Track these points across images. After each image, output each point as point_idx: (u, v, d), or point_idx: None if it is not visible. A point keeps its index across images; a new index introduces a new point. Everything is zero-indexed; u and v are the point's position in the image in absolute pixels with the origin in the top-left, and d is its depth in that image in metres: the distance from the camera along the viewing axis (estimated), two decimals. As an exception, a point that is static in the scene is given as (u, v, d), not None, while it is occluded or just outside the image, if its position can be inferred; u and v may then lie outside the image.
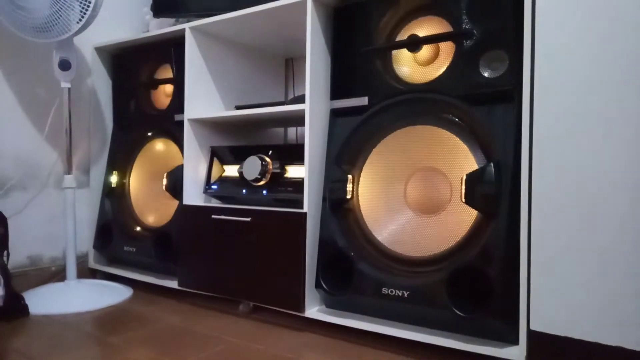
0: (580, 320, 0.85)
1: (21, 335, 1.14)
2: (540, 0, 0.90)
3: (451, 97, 1.04)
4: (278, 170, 1.30)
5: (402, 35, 1.14)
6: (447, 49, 1.07)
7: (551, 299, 0.87)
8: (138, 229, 1.58)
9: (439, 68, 1.08)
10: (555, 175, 0.87)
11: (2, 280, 0.85)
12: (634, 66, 0.81)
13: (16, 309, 1.26)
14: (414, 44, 1.11)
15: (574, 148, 0.86)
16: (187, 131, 1.44)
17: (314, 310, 1.19)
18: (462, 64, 1.03)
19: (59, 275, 1.59)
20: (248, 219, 1.27)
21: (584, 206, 0.84)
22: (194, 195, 1.45)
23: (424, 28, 1.11)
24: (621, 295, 0.81)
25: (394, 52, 1.15)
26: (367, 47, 1.17)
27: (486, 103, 1.00)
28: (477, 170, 0.99)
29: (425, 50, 1.11)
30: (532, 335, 0.89)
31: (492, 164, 0.97)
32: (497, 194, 0.96)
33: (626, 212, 0.81)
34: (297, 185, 1.25)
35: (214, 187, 1.43)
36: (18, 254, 1.51)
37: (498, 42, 0.99)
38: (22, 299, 1.29)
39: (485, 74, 1.01)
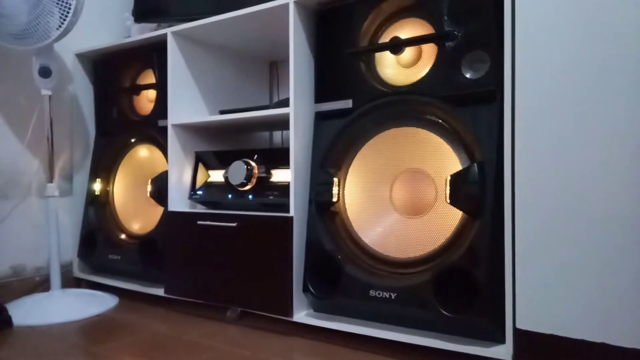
0: (566, 318, 0.86)
1: (5, 346, 1.12)
2: (519, 0, 0.91)
3: (434, 99, 1.05)
4: (264, 175, 1.29)
5: (385, 38, 1.15)
6: (429, 51, 1.08)
7: (536, 297, 0.88)
8: (123, 236, 1.56)
9: (422, 70, 1.08)
10: (537, 174, 0.88)
11: (-18, 293, 0.83)
12: (615, 65, 0.82)
13: (-1, 320, 1.24)
14: (397, 46, 1.11)
15: (555, 146, 0.87)
16: (171, 137, 1.43)
17: (302, 314, 1.18)
18: (445, 65, 1.04)
19: (43, 285, 1.56)
20: (234, 224, 1.26)
21: (567, 204, 0.85)
22: (179, 201, 1.44)
23: (406, 30, 1.12)
24: (605, 293, 0.82)
25: (377, 54, 1.16)
26: (350, 50, 1.17)
27: (469, 104, 1.01)
28: (461, 170, 0.99)
29: (408, 52, 1.11)
30: (518, 333, 0.90)
31: (475, 165, 0.97)
32: (481, 194, 0.96)
33: (609, 209, 0.82)
34: (283, 189, 1.24)
35: (199, 192, 1.42)
36: (0, 264, 1.48)
37: (479, 43, 1.00)
38: (5, 310, 1.27)
39: (468, 75, 1.01)
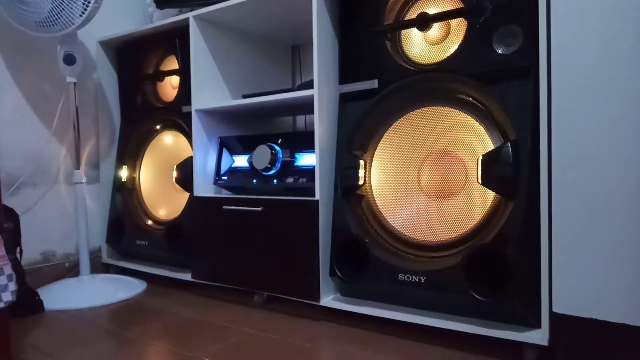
0: (605, 301, 0.82)
1: (36, 330, 1.14)
2: (555, -30, 0.86)
3: (464, 76, 1.01)
4: (288, 159, 1.28)
5: (411, 14, 1.11)
6: (458, 26, 1.04)
7: (574, 280, 0.84)
8: (150, 222, 1.57)
9: (451, 46, 1.04)
10: (576, 152, 0.84)
11: (14, 276, 0.84)
12: (657, 34, 0.77)
13: (31, 304, 1.26)
14: (424, 22, 1.07)
15: (595, 124, 0.82)
16: (195, 122, 1.43)
17: (329, 298, 1.17)
18: (475, 41, 1.00)
19: (72, 270, 1.59)
20: (260, 209, 1.25)
21: (608, 184, 0.81)
22: (204, 186, 1.44)
23: (433, 5, 1.08)
24: (648, 274, 0.78)
25: (403, 31, 1.12)
26: (375, 28, 1.14)
27: (501, 80, 0.97)
28: (493, 150, 0.96)
29: (436, 29, 1.08)
30: (555, 317, 0.87)
31: (509, 144, 0.94)
32: (515, 174, 0.93)
33: (652, 188, 0.78)
34: (308, 173, 1.23)
35: (224, 177, 1.41)
36: (31, 251, 1.51)
37: (511, 17, 0.96)
38: (37, 294, 1.29)
39: (499, 51, 0.97)
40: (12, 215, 1.33)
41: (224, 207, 1.32)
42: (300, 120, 1.77)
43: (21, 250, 1.35)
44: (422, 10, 1.08)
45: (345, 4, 1.21)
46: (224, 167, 1.43)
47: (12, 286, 0.84)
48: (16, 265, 1.24)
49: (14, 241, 1.31)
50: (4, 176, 1.46)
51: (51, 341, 1.06)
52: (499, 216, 0.95)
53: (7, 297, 0.84)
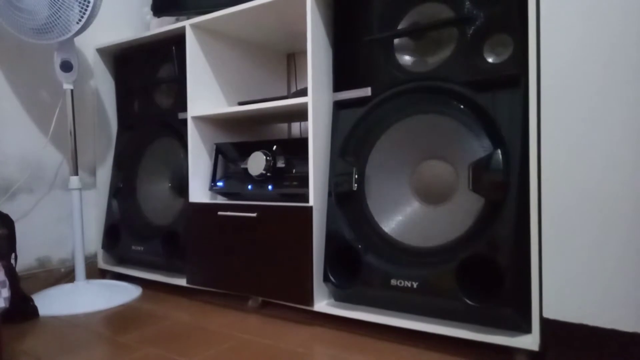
0: (595, 306, 0.83)
1: (30, 336, 1.14)
2: (544, -19, 0.88)
3: (455, 84, 1.03)
4: (283, 165, 1.29)
5: (404, 24, 1.12)
6: (450, 36, 1.05)
7: (564, 285, 0.86)
8: (145, 228, 1.58)
9: (443, 55, 1.06)
10: (565, 159, 0.85)
11: (7, 282, 0.84)
12: (643, 44, 0.79)
13: (25, 310, 1.26)
14: (417, 31, 1.09)
15: (584, 131, 0.84)
16: (191, 129, 1.44)
17: (322, 303, 1.18)
18: (466, 50, 1.01)
19: (68, 276, 1.59)
20: (254, 215, 1.26)
21: (598, 190, 0.82)
22: (199, 192, 1.45)
23: (426, 15, 1.09)
24: (638, 280, 0.79)
25: (396, 40, 1.14)
26: (369, 37, 1.15)
27: (491, 89, 0.98)
28: (484, 157, 0.97)
29: (428, 38, 1.09)
30: (546, 323, 0.88)
31: (499, 151, 0.95)
32: (505, 180, 0.94)
33: None
34: (303, 179, 1.24)
35: (220, 184, 1.42)
36: (27, 257, 1.51)
37: (502, 27, 0.97)
38: (31, 300, 1.30)
39: (490, 60, 0.99)
40: (6, 222, 1.34)
41: (219, 212, 1.33)
42: (295, 127, 1.78)
43: (16, 257, 1.35)
44: (414, 20, 1.09)
45: (340, 13, 1.22)
46: (219, 174, 1.44)
47: (5, 292, 0.84)
48: (11, 271, 1.24)
49: (8, 247, 1.32)
50: (0, 182, 1.46)
51: (45, 347, 1.07)
52: (490, 222, 0.96)
53: (0, 303, 0.85)
